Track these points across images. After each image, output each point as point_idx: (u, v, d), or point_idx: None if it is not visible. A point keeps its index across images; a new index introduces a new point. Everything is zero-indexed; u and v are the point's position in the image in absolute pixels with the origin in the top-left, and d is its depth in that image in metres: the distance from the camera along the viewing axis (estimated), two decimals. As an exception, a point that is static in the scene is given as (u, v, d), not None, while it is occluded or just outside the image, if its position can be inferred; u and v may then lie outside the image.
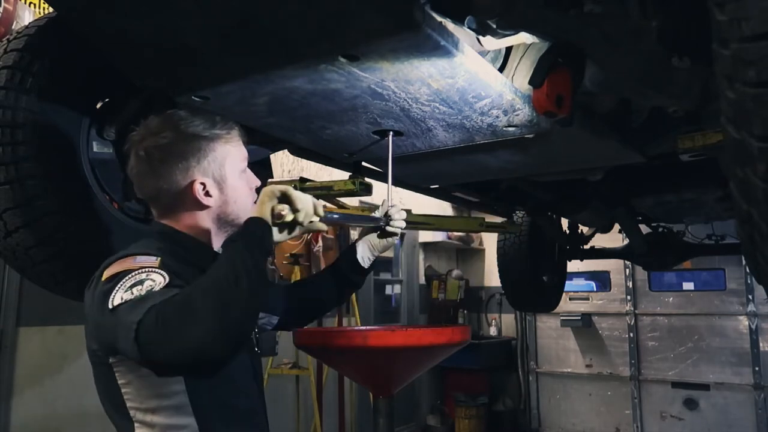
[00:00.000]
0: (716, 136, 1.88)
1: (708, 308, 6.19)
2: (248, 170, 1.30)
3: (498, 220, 3.24)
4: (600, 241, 4.20)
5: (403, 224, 1.56)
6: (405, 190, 2.59)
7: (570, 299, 6.78)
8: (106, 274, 1.06)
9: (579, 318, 6.67)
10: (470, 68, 1.32)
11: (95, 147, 1.66)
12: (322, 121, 1.64)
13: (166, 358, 0.93)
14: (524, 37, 1.49)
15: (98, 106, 1.69)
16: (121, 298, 0.98)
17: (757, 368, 5.84)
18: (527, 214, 3.79)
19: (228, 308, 0.95)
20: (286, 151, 2.11)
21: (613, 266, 6.51)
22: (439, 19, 1.26)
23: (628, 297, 6.60)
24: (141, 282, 1.01)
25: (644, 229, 3.95)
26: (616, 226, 3.85)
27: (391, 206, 1.56)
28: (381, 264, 6.63)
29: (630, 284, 6.60)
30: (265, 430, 1.29)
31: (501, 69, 1.72)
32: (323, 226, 1.22)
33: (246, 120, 1.58)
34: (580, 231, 4.12)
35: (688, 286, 6.39)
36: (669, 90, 1.65)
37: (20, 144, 1.46)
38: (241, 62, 1.32)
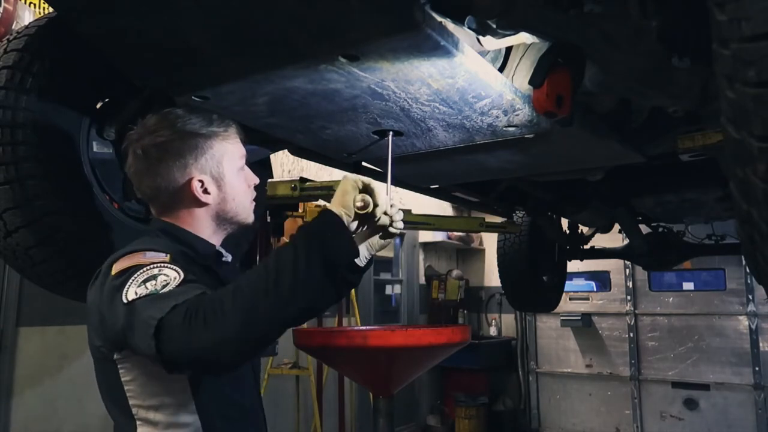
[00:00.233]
0: (716, 136, 1.88)
1: (708, 308, 6.19)
2: (246, 168, 1.30)
3: (498, 220, 3.24)
4: (600, 241, 4.19)
5: (402, 225, 1.56)
6: (405, 190, 2.59)
7: (570, 299, 6.78)
8: (116, 268, 1.06)
9: (579, 318, 6.67)
10: (470, 68, 1.32)
11: (95, 147, 1.66)
12: (322, 121, 1.64)
13: (185, 357, 0.92)
14: (524, 37, 1.48)
15: (98, 106, 1.70)
16: (136, 293, 0.98)
17: (757, 368, 5.84)
18: (527, 214, 3.78)
19: (257, 313, 0.92)
20: (286, 151, 2.11)
21: (613, 266, 6.52)
22: (439, 19, 1.26)
23: (628, 297, 6.60)
24: (154, 277, 1.00)
25: (644, 229, 3.95)
26: (616, 226, 3.86)
27: (391, 206, 1.55)
28: (381, 264, 6.64)
29: (630, 284, 6.60)
30: (264, 427, 1.29)
31: (501, 69, 1.72)
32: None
33: (246, 120, 1.58)
34: (580, 231, 4.11)
35: (688, 286, 6.40)
36: (669, 90, 1.65)
37: (20, 144, 1.46)
38: (241, 62, 1.32)
